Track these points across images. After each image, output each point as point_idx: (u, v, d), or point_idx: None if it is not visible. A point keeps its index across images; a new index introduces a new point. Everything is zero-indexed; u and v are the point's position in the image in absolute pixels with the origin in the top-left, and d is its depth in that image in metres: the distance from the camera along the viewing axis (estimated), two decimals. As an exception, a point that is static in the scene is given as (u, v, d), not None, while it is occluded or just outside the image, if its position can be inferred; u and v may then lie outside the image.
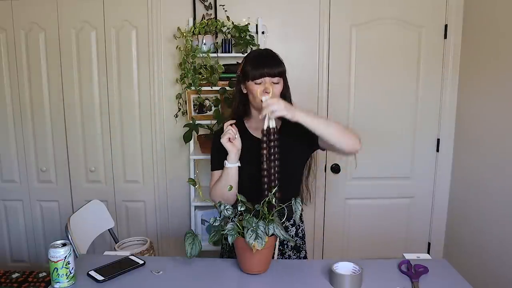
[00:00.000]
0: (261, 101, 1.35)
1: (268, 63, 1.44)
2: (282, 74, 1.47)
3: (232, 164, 1.43)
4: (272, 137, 1.37)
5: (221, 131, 1.54)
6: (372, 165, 2.62)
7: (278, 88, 1.46)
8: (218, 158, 1.51)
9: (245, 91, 1.51)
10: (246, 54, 1.55)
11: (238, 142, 1.43)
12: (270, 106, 1.30)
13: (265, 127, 1.36)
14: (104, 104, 2.60)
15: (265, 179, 1.39)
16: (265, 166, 1.38)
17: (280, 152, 1.40)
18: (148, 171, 2.68)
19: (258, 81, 1.43)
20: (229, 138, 1.41)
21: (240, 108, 1.55)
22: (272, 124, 1.36)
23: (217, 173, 1.54)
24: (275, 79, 1.44)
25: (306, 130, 1.37)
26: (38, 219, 2.76)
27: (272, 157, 1.38)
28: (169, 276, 1.32)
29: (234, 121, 1.46)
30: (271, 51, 1.52)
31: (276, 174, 1.39)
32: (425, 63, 2.53)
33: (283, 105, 1.31)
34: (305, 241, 1.66)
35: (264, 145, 1.37)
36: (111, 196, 2.70)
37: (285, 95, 1.51)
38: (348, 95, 2.56)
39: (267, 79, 1.43)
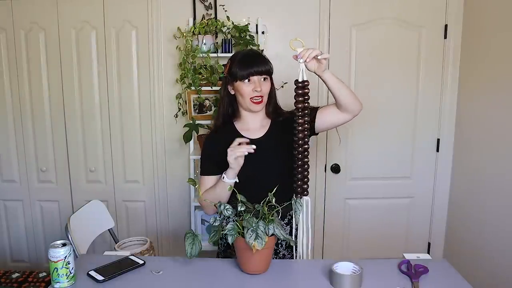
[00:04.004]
0: (296, 56, 1.39)
1: (255, 62, 1.45)
2: (269, 72, 1.48)
3: (230, 180, 1.42)
4: (306, 90, 1.40)
5: (212, 135, 1.55)
6: (372, 165, 2.62)
7: (267, 86, 1.48)
8: (208, 164, 1.51)
9: (232, 92, 1.51)
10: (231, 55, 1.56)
11: (242, 161, 1.41)
12: (311, 52, 1.35)
13: (300, 79, 1.39)
14: (104, 104, 2.60)
15: (300, 134, 1.40)
16: (300, 120, 1.40)
17: (275, 150, 1.40)
18: (148, 171, 2.68)
19: (246, 80, 1.44)
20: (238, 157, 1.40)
21: (228, 110, 1.56)
22: (305, 76, 1.40)
23: (207, 178, 1.53)
24: (263, 77, 1.46)
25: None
26: (38, 219, 2.76)
27: (307, 111, 1.41)
28: (169, 276, 1.32)
29: (247, 140, 1.43)
30: (257, 50, 1.53)
31: (307, 132, 1.42)
32: (425, 63, 2.53)
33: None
34: None
35: (301, 99, 1.39)
36: (111, 196, 2.70)
37: (272, 94, 1.53)
38: (348, 95, 2.56)
39: (256, 77, 1.44)
